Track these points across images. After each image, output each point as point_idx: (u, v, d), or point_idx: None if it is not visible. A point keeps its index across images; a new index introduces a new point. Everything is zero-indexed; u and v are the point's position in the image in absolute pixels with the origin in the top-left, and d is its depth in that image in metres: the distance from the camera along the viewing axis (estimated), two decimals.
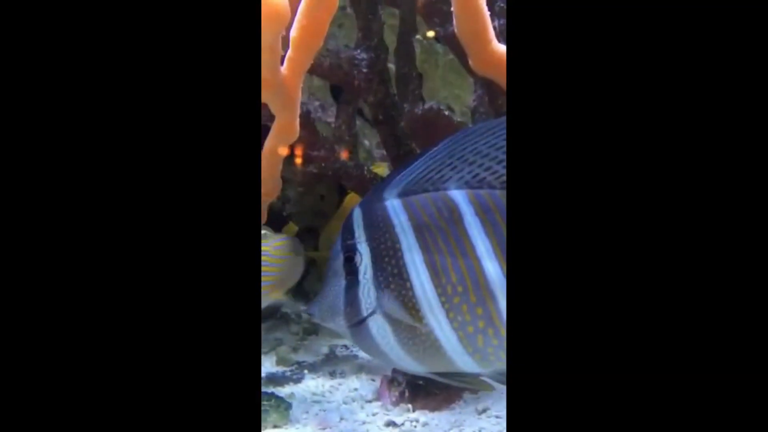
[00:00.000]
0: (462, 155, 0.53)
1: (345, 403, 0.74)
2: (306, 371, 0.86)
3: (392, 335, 0.54)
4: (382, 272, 0.54)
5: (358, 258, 0.55)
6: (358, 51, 0.73)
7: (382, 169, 0.97)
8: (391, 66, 0.86)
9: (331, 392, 0.78)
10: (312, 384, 0.81)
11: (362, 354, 0.87)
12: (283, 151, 0.68)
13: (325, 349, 0.94)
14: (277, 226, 0.95)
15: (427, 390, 0.70)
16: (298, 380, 0.84)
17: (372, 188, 0.64)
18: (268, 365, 0.89)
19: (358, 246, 0.55)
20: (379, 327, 0.54)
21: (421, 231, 0.53)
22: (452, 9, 0.64)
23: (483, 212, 0.52)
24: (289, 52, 0.60)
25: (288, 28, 0.57)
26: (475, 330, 0.51)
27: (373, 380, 0.81)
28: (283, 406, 0.67)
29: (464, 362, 0.53)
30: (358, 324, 0.55)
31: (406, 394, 0.70)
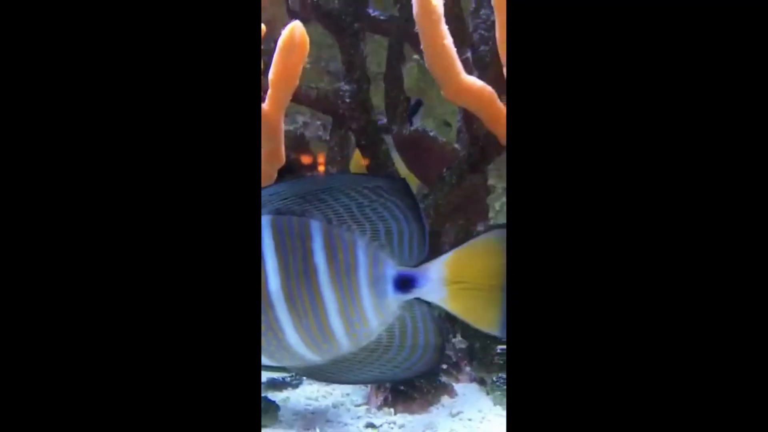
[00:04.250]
0: (281, 192, 0.62)
1: (334, 407, 0.80)
2: (305, 378, 0.92)
3: None
4: None
5: None
6: (343, 83, 0.79)
7: None
8: None
9: (324, 397, 0.84)
10: (309, 390, 0.87)
11: None
12: (273, 175, 0.76)
13: None
14: None
15: (407, 394, 0.76)
16: (296, 386, 0.90)
17: None
18: (270, 371, 0.95)
19: None
20: None
21: None
22: (421, 47, 0.70)
23: (277, 234, 0.60)
24: (270, 91, 0.66)
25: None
26: (262, 333, 0.62)
27: (367, 386, 0.86)
28: (272, 408, 0.73)
29: None
30: None
31: (389, 398, 0.76)
